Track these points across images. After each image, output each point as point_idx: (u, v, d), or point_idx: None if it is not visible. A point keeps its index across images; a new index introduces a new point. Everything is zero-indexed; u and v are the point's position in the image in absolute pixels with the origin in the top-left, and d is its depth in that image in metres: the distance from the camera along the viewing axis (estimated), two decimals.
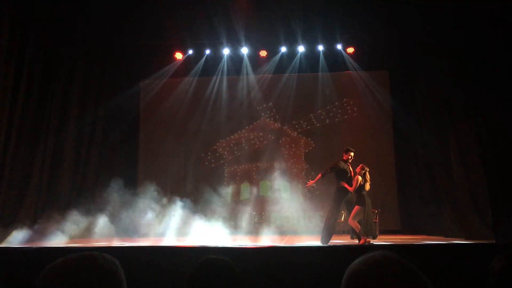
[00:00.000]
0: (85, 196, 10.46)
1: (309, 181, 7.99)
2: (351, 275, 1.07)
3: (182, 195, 10.58)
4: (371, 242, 7.23)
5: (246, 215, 10.79)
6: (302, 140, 12.71)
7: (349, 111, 12.53)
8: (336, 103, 12.55)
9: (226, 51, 12.40)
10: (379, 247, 6.72)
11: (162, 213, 9.60)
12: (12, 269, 5.09)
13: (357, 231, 7.37)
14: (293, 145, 12.72)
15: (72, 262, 1.21)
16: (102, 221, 9.26)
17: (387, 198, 11.57)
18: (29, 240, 8.09)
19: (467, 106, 8.38)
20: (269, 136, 12.76)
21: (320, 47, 12.17)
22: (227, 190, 12.52)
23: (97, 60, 11.44)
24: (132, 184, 11.05)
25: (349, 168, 7.73)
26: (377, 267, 1.04)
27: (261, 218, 10.98)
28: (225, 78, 12.65)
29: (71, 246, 7.16)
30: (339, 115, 12.55)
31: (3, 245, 7.61)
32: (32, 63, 9.24)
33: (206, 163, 12.73)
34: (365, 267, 1.05)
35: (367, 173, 7.60)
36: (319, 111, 12.58)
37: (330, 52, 12.23)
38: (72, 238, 8.63)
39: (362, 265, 1.06)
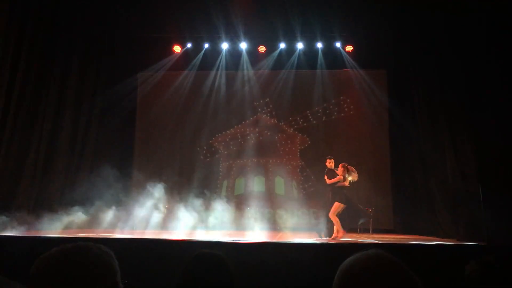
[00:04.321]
0: (79, 187, 10.44)
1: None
2: (344, 272, 1.08)
3: (177, 189, 10.59)
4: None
5: (240, 210, 10.81)
6: (298, 137, 12.72)
7: (346, 109, 12.54)
8: (333, 101, 12.56)
9: (224, 46, 12.36)
10: (371, 245, 6.76)
11: (156, 206, 9.60)
12: (6, 257, 5.09)
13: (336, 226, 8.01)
14: (288, 142, 12.72)
15: (67, 252, 1.21)
16: (95, 213, 9.26)
17: (381, 197, 11.61)
18: (23, 229, 8.07)
19: (463, 107, 8.41)
20: (265, 132, 12.74)
21: (319, 45, 12.17)
22: (222, 185, 12.54)
23: (94, 52, 11.39)
24: (127, 176, 11.03)
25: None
26: (370, 265, 1.05)
27: (255, 213, 11.00)
28: (223, 72, 12.62)
29: (66, 236, 7.15)
30: (335, 113, 12.55)
31: None
32: (29, 54, 9.19)
33: (202, 157, 12.72)
34: (357, 265, 1.06)
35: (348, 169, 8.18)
36: (316, 108, 12.57)
37: (329, 50, 12.23)
38: (66, 229, 8.62)
39: (355, 263, 1.07)
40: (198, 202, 9.71)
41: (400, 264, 1.05)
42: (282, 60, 12.39)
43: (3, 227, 7.82)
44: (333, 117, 12.55)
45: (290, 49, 12.34)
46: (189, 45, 12.50)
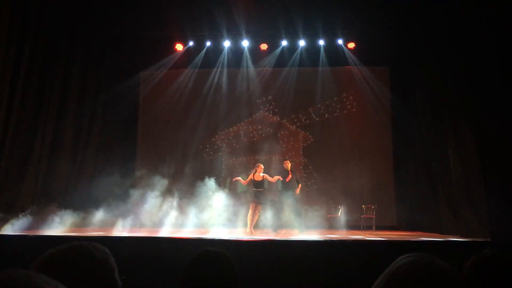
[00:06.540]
0: (82, 185, 10.46)
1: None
2: (393, 276, 1.04)
3: (180, 187, 10.59)
4: None
5: (244, 207, 10.80)
6: (301, 134, 12.71)
7: (348, 106, 12.52)
8: (335, 98, 12.54)
9: (226, 44, 12.35)
10: (375, 242, 6.74)
11: (159, 204, 9.60)
12: (6, 256, 5.10)
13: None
14: (291, 139, 12.72)
15: (63, 253, 1.20)
16: (99, 211, 9.27)
17: (384, 194, 11.60)
18: (26, 228, 8.09)
19: (466, 104, 8.38)
20: (268, 129, 12.74)
21: (321, 42, 12.13)
22: (226, 182, 12.53)
23: (96, 50, 11.40)
24: (130, 175, 11.04)
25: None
26: (420, 272, 1.01)
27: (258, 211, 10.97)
28: (225, 70, 12.61)
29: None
30: (338, 110, 12.53)
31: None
32: (32, 52, 9.21)
33: (205, 155, 12.73)
34: (407, 270, 1.03)
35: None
36: (318, 106, 12.56)
37: (331, 47, 12.19)
38: (69, 227, 8.62)
39: (405, 267, 1.04)
40: (201, 200, 9.70)
41: (449, 268, 1.03)
42: (284, 57, 12.37)
43: (8, 226, 7.85)
44: (335, 114, 12.54)
45: (292, 47, 12.30)
46: (191, 43, 12.49)
